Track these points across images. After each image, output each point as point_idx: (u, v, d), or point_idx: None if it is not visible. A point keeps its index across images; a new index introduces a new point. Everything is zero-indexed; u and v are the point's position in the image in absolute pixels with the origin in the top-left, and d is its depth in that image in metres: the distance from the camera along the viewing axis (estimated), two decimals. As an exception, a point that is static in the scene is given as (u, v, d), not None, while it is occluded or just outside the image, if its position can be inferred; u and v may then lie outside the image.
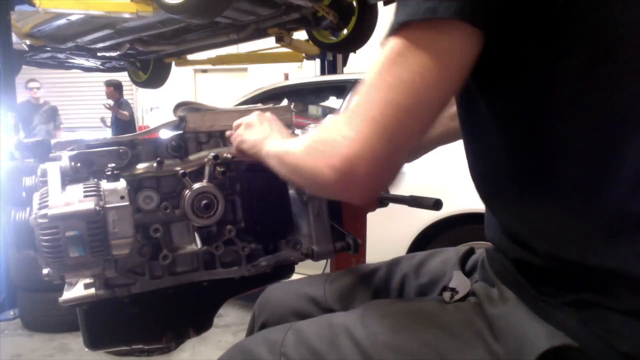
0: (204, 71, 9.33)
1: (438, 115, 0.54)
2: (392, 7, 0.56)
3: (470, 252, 0.83)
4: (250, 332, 0.92)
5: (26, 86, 6.44)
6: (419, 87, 0.52)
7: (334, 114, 0.60)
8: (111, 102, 6.62)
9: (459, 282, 0.70)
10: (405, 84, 0.52)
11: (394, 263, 0.89)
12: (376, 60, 0.55)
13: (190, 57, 5.50)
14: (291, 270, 1.00)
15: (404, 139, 0.54)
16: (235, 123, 0.89)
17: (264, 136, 0.79)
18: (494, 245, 0.67)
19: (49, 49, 4.94)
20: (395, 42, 0.53)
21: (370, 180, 0.54)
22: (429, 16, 0.50)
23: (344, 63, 5.36)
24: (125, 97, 7.04)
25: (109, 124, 6.88)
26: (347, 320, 0.67)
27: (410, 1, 0.52)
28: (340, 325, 0.66)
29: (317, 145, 0.59)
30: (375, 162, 0.53)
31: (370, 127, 0.53)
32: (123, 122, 6.47)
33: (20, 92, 4.81)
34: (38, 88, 6.54)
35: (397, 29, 0.53)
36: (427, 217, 2.34)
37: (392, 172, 0.57)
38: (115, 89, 6.69)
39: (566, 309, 0.53)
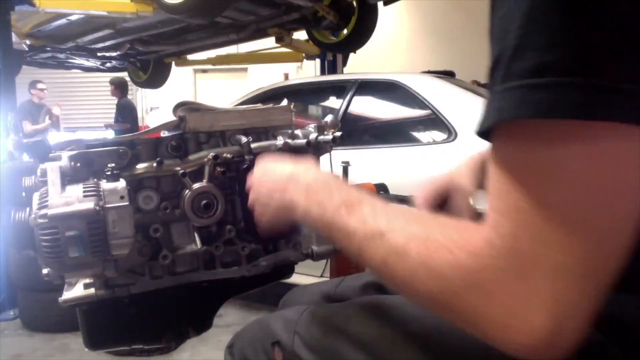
0: (204, 71, 9.33)
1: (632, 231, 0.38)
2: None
3: None
4: None
5: (33, 86, 6.44)
6: (606, 212, 0.36)
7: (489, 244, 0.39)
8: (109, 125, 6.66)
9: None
10: (589, 207, 0.36)
11: None
12: (506, 179, 0.38)
13: (190, 57, 5.50)
14: (291, 270, 1.00)
15: (606, 282, 0.38)
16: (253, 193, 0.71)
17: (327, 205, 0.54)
18: None
19: (49, 49, 4.95)
20: (526, 153, 0.37)
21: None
22: (582, 117, 0.35)
23: (344, 63, 5.36)
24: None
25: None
26: (355, 308, 0.69)
27: (529, 90, 0.36)
28: (348, 313, 0.69)
29: (455, 319, 0.42)
30: (566, 342, 0.38)
31: (560, 296, 0.37)
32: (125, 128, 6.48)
33: (22, 92, 4.82)
34: (45, 89, 6.57)
35: (526, 125, 0.37)
36: (427, 217, 2.34)
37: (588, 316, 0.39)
38: (116, 87, 6.67)
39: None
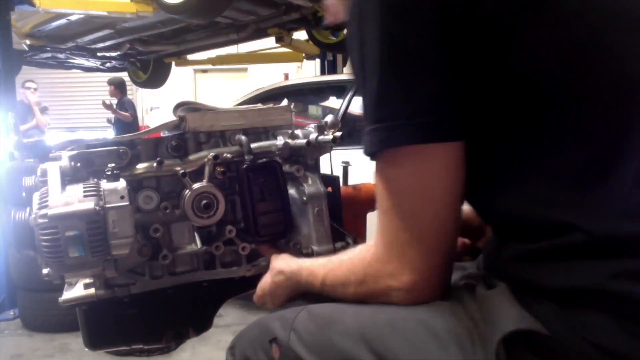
0: (204, 71, 9.33)
1: (457, 211, 0.61)
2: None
3: None
4: None
5: (23, 86, 6.35)
6: (426, 207, 0.59)
7: (365, 247, 0.67)
8: (110, 100, 6.56)
9: None
10: (414, 207, 0.59)
11: None
12: (378, 187, 0.62)
13: (190, 57, 5.50)
14: (291, 270, 1.00)
15: (442, 245, 0.61)
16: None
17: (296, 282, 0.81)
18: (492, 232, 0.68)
19: (49, 49, 4.95)
20: (385, 170, 0.61)
21: (439, 289, 0.62)
22: (412, 142, 0.56)
23: (344, 63, 5.36)
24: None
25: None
26: (351, 303, 0.70)
27: (387, 128, 0.57)
28: (343, 307, 0.69)
29: (373, 295, 0.65)
30: (434, 282, 0.61)
31: (414, 260, 0.60)
32: (124, 122, 6.45)
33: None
34: (35, 89, 6.49)
35: (381, 154, 0.60)
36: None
37: (449, 266, 0.63)
38: (116, 87, 6.66)
39: (546, 303, 0.54)
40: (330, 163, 1.13)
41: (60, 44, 4.75)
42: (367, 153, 0.61)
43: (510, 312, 0.54)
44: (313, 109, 3.62)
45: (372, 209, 1.20)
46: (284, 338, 0.71)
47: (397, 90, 0.56)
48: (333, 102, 3.32)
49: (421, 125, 0.56)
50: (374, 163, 0.63)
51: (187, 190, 0.89)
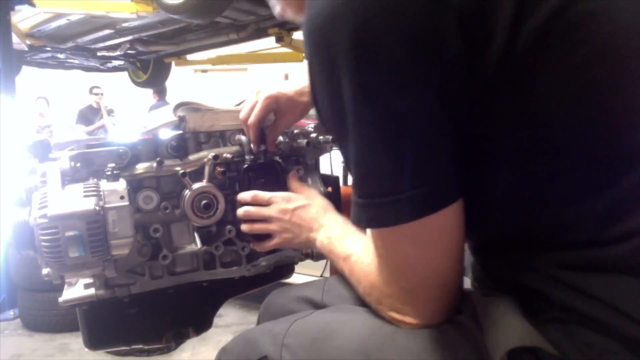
0: (204, 71, 9.33)
1: (461, 254, 0.59)
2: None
3: None
4: None
5: (91, 92, 6.92)
6: (429, 261, 0.57)
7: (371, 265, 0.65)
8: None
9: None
10: (419, 260, 0.57)
11: None
12: (375, 238, 0.61)
13: (190, 57, 5.50)
14: (291, 270, 1.00)
15: (446, 283, 0.59)
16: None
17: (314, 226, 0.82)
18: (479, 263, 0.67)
19: (49, 49, 4.94)
20: (382, 239, 0.59)
21: (447, 314, 0.61)
22: (413, 219, 0.53)
23: (344, 63, 5.35)
24: (124, 97, 7.12)
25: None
26: (348, 314, 0.68)
27: (383, 206, 0.54)
28: (340, 320, 0.67)
29: (390, 313, 0.63)
30: (442, 314, 0.60)
31: (419, 301, 0.59)
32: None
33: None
34: (102, 94, 6.94)
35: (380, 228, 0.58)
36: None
37: (455, 293, 0.61)
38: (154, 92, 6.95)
39: (550, 324, 0.52)
40: (330, 163, 1.13)
41: (60, 44, 4.74)
42: (364, 226, 0.62)
43: (514, 326, 0.52)
44: (313, 109, 3.61)
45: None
46: (275, 356, 0.67)
47: (389, 161, 0.53)
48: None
49: (425, 195, 0.53)
50: None
51: (187, 190, 0.90)
